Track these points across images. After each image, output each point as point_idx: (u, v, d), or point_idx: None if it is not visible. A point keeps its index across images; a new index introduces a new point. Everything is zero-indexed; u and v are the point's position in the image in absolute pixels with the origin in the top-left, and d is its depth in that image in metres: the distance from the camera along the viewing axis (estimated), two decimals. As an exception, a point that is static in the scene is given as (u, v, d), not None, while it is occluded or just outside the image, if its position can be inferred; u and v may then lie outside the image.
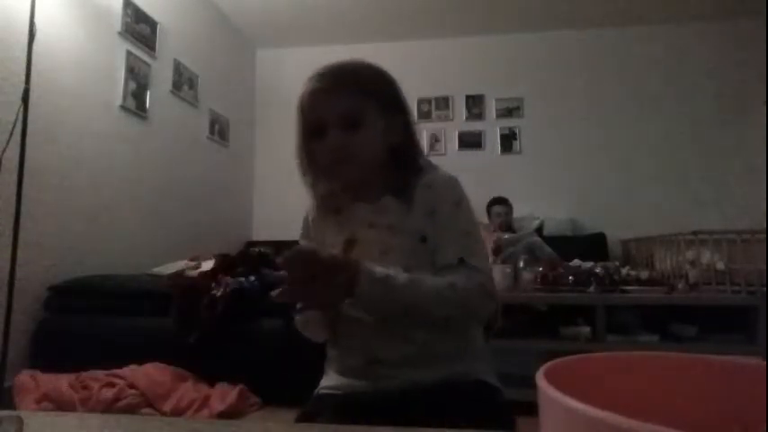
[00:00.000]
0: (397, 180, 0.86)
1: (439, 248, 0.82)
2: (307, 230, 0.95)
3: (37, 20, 2.17)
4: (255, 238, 4.52)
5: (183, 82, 3.65)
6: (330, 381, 0.86)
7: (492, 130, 4.56)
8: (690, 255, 2.58)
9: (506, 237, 3.04)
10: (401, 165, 0.87)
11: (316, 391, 0.88)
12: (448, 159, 4.53)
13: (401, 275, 0.74)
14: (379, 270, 0.72)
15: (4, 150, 2.07)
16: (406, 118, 0.89)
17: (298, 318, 0.85)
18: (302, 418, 0.79)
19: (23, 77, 2.13)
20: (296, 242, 0.88)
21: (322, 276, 0.67)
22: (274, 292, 0.67)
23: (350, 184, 0.87)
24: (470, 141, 4.55)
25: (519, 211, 3.70)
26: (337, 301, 0.72)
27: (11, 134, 2.09)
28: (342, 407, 0.79)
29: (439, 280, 0.77)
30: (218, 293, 2.28)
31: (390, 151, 0.86)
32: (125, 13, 3.02)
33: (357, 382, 0.82)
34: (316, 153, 0.85)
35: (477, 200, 3.81)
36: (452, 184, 0.87)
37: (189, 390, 2.10)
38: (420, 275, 0.76)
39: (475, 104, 4.61)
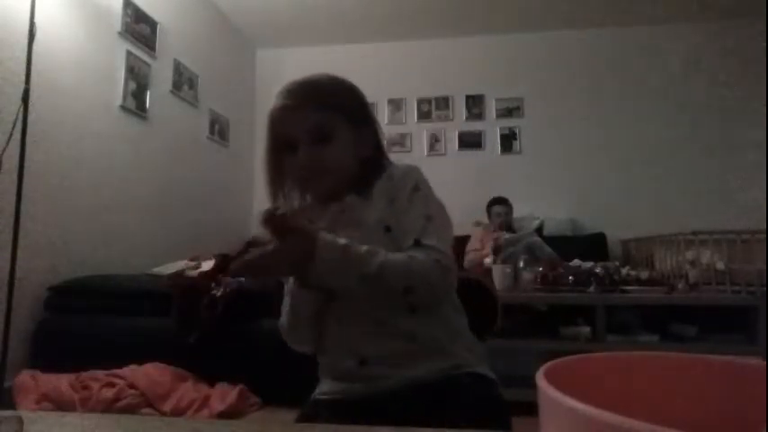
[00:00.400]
0: (360, 180, 0.89)
1: (400, 234, 0.84)
2: None
3: (37, 20, 2.17)
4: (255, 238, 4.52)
5: (183, 82, 3.65)
6: (325, 386, 0.86)
7: (492, 130, 4.56)
8: (690, 255, 2.58)
9: (506, 237, 3.04)
10: (368, 170, 0.90)
11: (312, 396, 0.88)
12: (448, 159, 4.54)
13: (360, 246, 0.75)
14: (339, 239, 0.74)
15: (4, 150, 2.07)
16: (374, 129, 0.92)
17: (283, 324, 0.86)
18: (301, 421, 0.79)
19: (23, 77, 2.13)
20: None
21: (286, 238, 0.71)
22: (234, 264, 0.70)
23: (322, 196, 0.89)
24: (470, 141, 4.55)
25: (519, 211, 3.70)
26: (295, 267, 0.74)
27: (11, 134, 2.09)
28: (338, 410, 0.79)
29: (397, 254, 0.78)
30: (218, 293, 2.28)
31: (360, 162, 0.89)
32: (125, 13, 3.02)
33: (351, 385, 0.81)
34: (286, 167, 0.87)
35: (477, 200, 3.82)
36: (410, 172, 0.89)
37: (189, 390, 2.10)
38: (379, 249, 0.77)
39: (475, 104, 4.61)
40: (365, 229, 0.83)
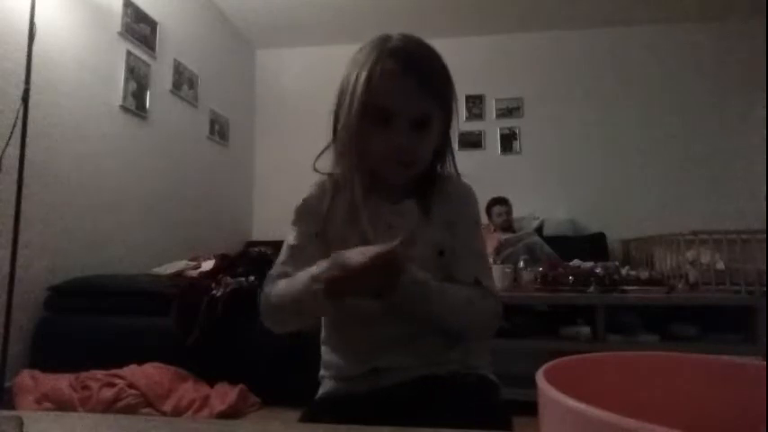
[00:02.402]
0: (417, 184, 0.82)
1: (455, 265, 0.80)
2: (306, 217, 0.86)
3: (37, 20, 2.17)
4: (255, 238, 4.52)
5: (183, 82, 3.65)
6: (328, 386, 0.85)
7: (492, 130, 4.56)
8: (690, 255, 2.58)
9: (506, 237, 3.04)
10: (431, 170, 0.84)
11: (316, 396, 0.86)
12: (448, 159, 4.53)
13: (433, 281, 0.73)
14: (420, 273, 0.71)
15: (4, 150, 2.08)
16: (451, 122, 0.84)
17: (270, 303, 0.78)
18: (304, 420, 0.78)
19: (23, 77, 2.13)
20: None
21: (379, 270, 0.64)
22: (326, 285, 0.65)
23: (399, 185, 0.82)
24: (470, 141, 4.55)
25: (519, 211, 3.70)
26: (385, 296, 0.69)
27: (11, 134, 2.09)
28: (340, 405, 0.79)
29: (461, 292, 0.76)
30: (218, 293, 2.28)
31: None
32: (125, 13, 3.02)
33: (356, 387, 0.80)
34: (374, 141, 0.76)
35: (478, 200, 3.82)
36: (472, 199, 0.86)
37: (189, 390, 2.10)
38: (448, 284, 0.75)
39: (475, 104, 4.61)
40: (421, 246, 0.79)
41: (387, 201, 0.83)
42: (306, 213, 0.86)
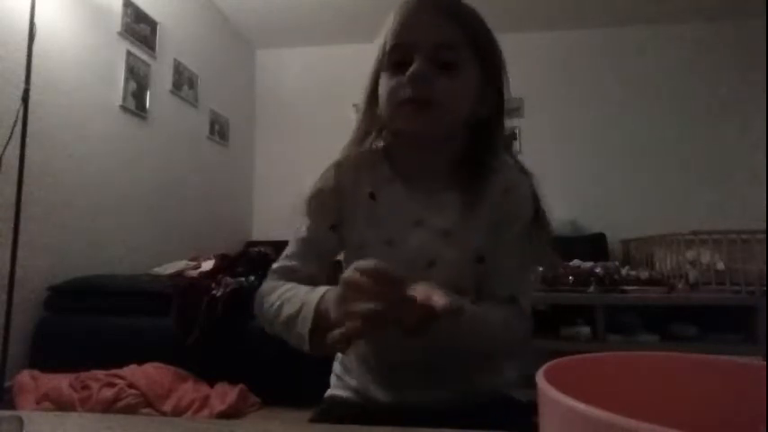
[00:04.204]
0: (465, 170, 0.69)
1: (492, 275, 0.68)
2: (320, 208, 0.73)
3: (37, 20, 2.17)
4: (255, 238, 4.52)
5: (183, 82, 3.65)
6: (339, 389, 0.77)
7: (492, 130, 4.56)
8: (690, 255, 2.58)
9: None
10: (478, 150, 0.69)
11: (327, 393, 0.79)
12: (448, 159, 4.53)
13: (468, 305, 0.60)
14: (454, 300, 0.61)
15: (4, 150, 2.07)
16: (502, 85, 0.71)
17: (269, 311, 0.66)
18: (316, 420, 0.72)
19: (23, 77, 2.13)
20: None
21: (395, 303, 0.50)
22: (333, 335, 0.48)
23: (414, 139, 0.68)
24: (470, 141, 4.55)
25: (519, 211, 3.69)
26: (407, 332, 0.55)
27: (11, 134, 2.09)
28: (358, 415, 0.70)
29: (497, 315, 0.65)
30: (218, 293, 2.28)
31: (473, 126, 0.69)
32: (125, 13, 3.02)
33: (371, 398, 0.72)
34: (388, 90, 0.66)
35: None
36: (528, 197, 0.71)
37: (189, 390, 2.10)
38: (483, 307, 0.64)
39: (475, 104, 4.61)
40: (457, 250, 0.67)
41: (419, 191, 0.69)
42: (320, 203, 0.74)
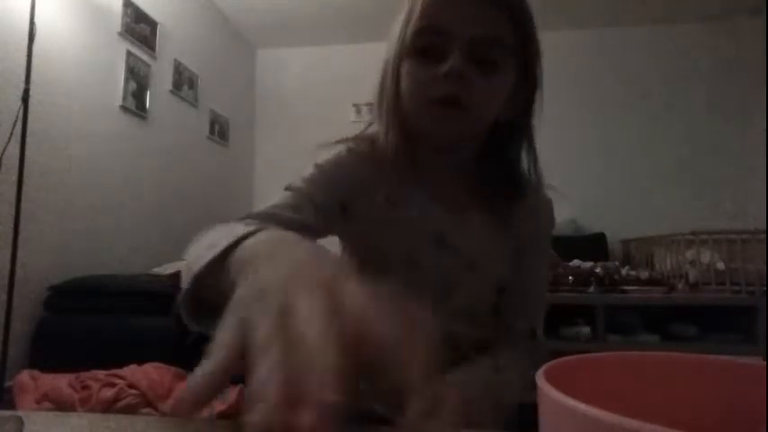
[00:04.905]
0: (491, 185, 0.61)
1: (511, 307, 0.63)
2: (336, 178, 0.61)
3: (37, 20, 2.17)
4: (255, 238, 4.52)
5: (183, 82, 3.65)
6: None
7: (492, 130, 4.56)
8: (690, 255, 2.58)
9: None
10: (503, 163, 0.60)
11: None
12: (448, 159, 4.53)
13: (478, 371, 0.54)
14: (483, 362, 0.53)
15: (4, 150, 2.07)
16: (536, 86, 0.60)
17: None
18: None
19: (23, 77, 2.13)
20: None
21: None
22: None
23: (440, 143, 0.59)
24: (470, 141, 4.55)
25: (519, 211, 3.69)
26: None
27: (11, 134, 2.09)
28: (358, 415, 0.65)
29: (518, 368, 0.59)
30: (218, 293, 2.28)
31: (497, 130, 0.59)
32: (125, 13, 3.02)
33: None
34: (416, 83, 0.56)
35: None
36: (551, 221, 0.62)
37: (189, 390, 2.10)
38: (500, 373, 0.57)
39: (475, 104, 4.61)
40: (480, 279, 0.60)
41: (440, 201, 0.61)
42: (337, 175, 0.61)
